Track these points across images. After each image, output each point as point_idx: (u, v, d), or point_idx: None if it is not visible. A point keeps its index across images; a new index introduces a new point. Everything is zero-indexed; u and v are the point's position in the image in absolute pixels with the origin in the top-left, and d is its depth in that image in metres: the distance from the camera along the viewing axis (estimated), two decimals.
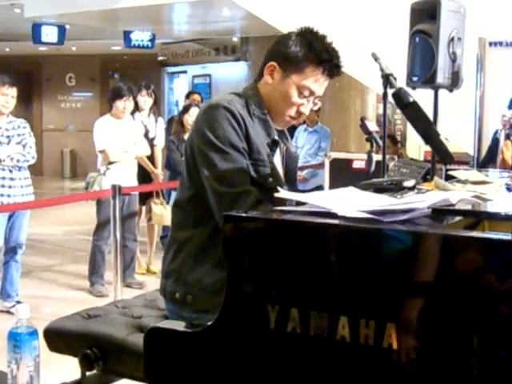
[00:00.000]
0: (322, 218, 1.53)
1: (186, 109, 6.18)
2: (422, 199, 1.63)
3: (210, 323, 1.61)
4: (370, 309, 1.43)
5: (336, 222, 1.50)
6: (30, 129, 4.98)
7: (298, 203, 1.70)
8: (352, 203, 1.58)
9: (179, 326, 1.74)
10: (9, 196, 4.77)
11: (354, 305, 1.45)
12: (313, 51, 2.11)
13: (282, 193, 1.76)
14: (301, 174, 7.11)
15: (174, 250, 2.18)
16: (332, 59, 2.13)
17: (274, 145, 2.18)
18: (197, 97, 7.86)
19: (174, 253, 2.17)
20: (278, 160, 2.23)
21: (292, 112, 2.18)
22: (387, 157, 2.93)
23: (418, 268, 1.41)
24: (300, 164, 7.25)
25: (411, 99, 2.20)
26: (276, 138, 2.19)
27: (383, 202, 1.61)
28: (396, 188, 1.81)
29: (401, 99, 2.23)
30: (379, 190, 1.81)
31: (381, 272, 1.43)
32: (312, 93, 2.15)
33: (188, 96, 8.05)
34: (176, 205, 2.21)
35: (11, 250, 4.92)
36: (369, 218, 1.48)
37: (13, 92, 4.75)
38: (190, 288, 2.09)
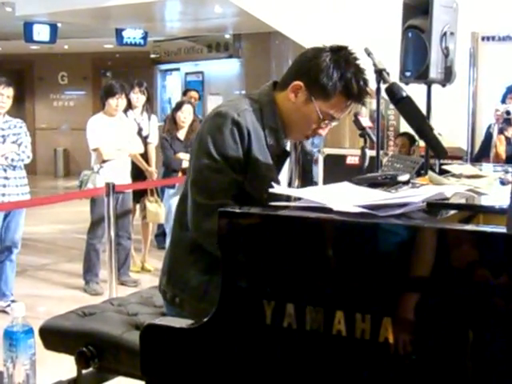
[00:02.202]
0: (317, 213, 1.53)
1: (178, 106, 6.17)
2: (416, 193, 1.64)
3: (205, 319, 1.61)
4: (365, 303, 1.44)
5: (331, 216, 1.50)
6: (26, 128, 4.97)
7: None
8: (347, 198, 1.58)
9: (175, 322, 1.74)
10: (3, 195, 4.75)
11: (349, 299, 1.46)
12: (343, 82, 2.00)
13: (276, 188, 1.76)
14: None
15: (170, 246, 2.19)
16: (361, 95, 2.04)
17: (284, 155, 2.14)
18: (194, 94, 7.82)
19: (170, 250, 2.18)
20: (286, 167, 2.19)
21: (308, 133, 2.13)
22: (380, 152, 2.93)
23: (414, 262, 1.42)
24: None
25: (404, 94, 2.20)
26: (287, 148, 2.15)
27: (378, 196, 1.61)
28: (390, 182, 1.81)
29: (394, 94, 2.24)
30: (374, 184, 1.82)
31: (376, 266, 1.43)
32: (334, 119, 2.09)
33: (185, 93, 8.00)
34: (179, 201, 2.20)
35: (6, 250, 4.91)
36: (364, 213, 1.49)
37: (9, 92, 4.74)
38: (178, 290, 2.09)
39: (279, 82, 2.15)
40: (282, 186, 1.98)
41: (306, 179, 2.24)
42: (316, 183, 6.37)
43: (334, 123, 2.16)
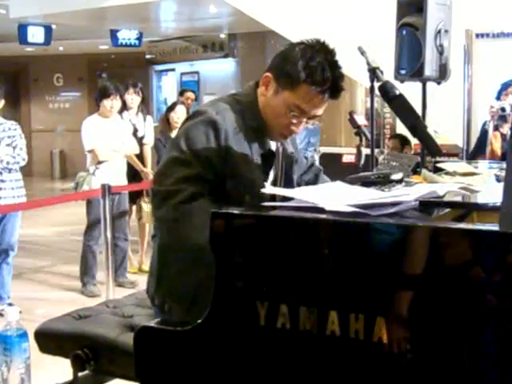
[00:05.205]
0: (309, 213, 1.52)
1: (171, 107, 6.17)
2: (409, 192, 1.64)
3: (199, 321, 1.61)
4: (359, 303, 1.43)
5: (324, 216, 1.50)
6: (20, 130, 4.95)
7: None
8: (339, 197, 1.57)
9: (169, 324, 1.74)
10: None
11: (343, 299, 1.45)
12: (308, 70, 1.94)
13: (268, 189, 1.76)
14: None
15: (158, 250, 2.13)
16: (326, 82, 1.95)
17: (270, 155, 2.10)
18: (190, 94, 7.79)
19: (159, 254, 2.12)
20: (273, 167, 2.16)
21: (281, 129, 2.07)
22: (376, 150, 2.93)
23: (406, 261, 1.41)
24: None
25: (397, 92, 2.20)
26: (272, 148, 2.11)
27: (371, 195, 1.61)
28: (384, 181, 1.81)
29: (387, 92, 2.23)
30: (367, 183, 1.81)
31: (369, 266, 1.43)
32: (303, 112, 2.01)
33: (181, 94, 7.98)
34: None
35: (3, 253, 4.90)
36: (356, 212, 1.48)
37: None
38: (167, 297, 2.05)
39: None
40: (271, 187, 1.96)
41: (288, 182, 2.19)
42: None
43: (310, 120, 2.12)
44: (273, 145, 2.17)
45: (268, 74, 2.04)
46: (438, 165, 2.47)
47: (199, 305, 1.80)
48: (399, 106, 2.23)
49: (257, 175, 2.02)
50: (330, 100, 2.02)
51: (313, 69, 1.95)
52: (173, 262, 2.02)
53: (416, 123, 2.23)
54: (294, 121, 2.04)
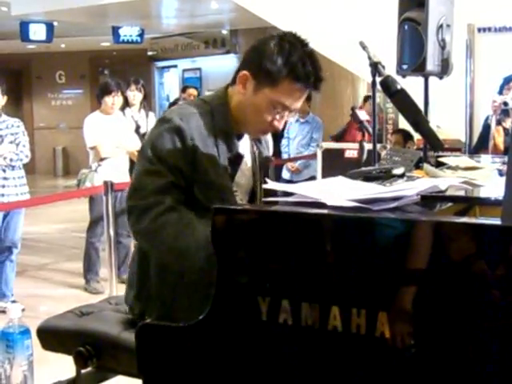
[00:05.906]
0: (310, 208, 1.52)
1: (173, 103, 6.19)
2: (410, 186, 1.63)
3: (201, 317, 1.61)
4: (361, 298, 1.43)
5: (325, 211, 1.49)
6: (23, 128, 4.96)
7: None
8: (341, 192, 1.57)
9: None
10: (2, 196, 4.76)
11: (345, 294, 1.45)
12: (289, 65, 1.90)
13: (270, 184, 1.76)
14: (294, 165, 7.13)
15: (137, 259, 2.10)
16: (309, 76, 1.92)
17: (237, 159, 2.04)
18: (193, 91, 7.77)
19: (138, 263, 2.09)
20: (245, 170, 2.11)
21: (263, 126, 2.02)
22: (379, 145, 2.92)
23: (408, 255, 1.41)
24: (292, 155, 7.27)
25: (399, 87, 2.19)
26: (240, 151, 2.05)
27: (372, 190, 1.60)
28: (385, 176, 1.80)
29: (389, 87, 2.22)
30: (368, 178, 1.80)
31: (371, 261, 1.42)
32: (286, 108, 1.97)
33: (184, 90, 7.98)
34: None
35: (6, 250, 4.91)
36: (358, 207, 1.48)
37: None
38: (146, 307, 2.04)
39: (232, 78, 2.06)
40: (273, 183, 1.94)
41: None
42: (316, 178, 6.39)
43: (291, 114, 2.07)
44: (246, 149, 2.13)
45: (245, 72, 1.97)
46: (441, 159, 2.47)
47: (178, 314, 1.80)
48: (401, 100, 2.22)
49: (225, 180, 1.99)
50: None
51: (293, 64, 1.90)
52: (153, 274, 2.01)
53: (417, 118, 2.22)
54: (277, 117, 1.99)
